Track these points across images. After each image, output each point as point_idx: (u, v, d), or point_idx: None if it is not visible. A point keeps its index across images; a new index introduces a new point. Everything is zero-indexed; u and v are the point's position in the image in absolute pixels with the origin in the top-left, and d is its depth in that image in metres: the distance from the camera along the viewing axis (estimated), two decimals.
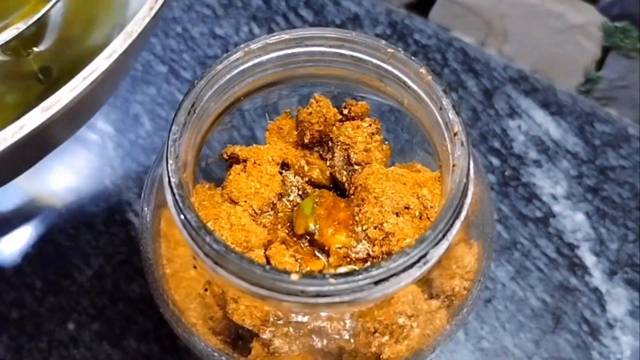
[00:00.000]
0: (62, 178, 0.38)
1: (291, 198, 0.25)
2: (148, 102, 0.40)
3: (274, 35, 0.23)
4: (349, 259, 0.23)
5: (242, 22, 0.43)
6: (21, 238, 0.36)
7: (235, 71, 0.23)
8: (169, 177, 0.20)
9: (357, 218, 0.24)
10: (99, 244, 0.36)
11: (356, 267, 0.23)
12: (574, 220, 0.37)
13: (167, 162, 0.20)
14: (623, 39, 0.40)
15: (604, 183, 0.38)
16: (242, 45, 0.23)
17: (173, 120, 0.21)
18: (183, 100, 0.22)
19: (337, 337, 0.22)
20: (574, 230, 0.37)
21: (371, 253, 0.23)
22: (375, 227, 0.23)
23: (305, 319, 0.22)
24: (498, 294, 0.35)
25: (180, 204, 0.20)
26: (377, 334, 0.22)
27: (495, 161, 0.39)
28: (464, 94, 0.41)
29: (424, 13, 0.46)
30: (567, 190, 0.38)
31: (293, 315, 0.22)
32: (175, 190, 0.20)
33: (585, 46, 0.42)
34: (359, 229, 0.24)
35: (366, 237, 0.23)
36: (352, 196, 0.25)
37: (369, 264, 0.23)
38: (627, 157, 0.39)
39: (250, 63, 0.23)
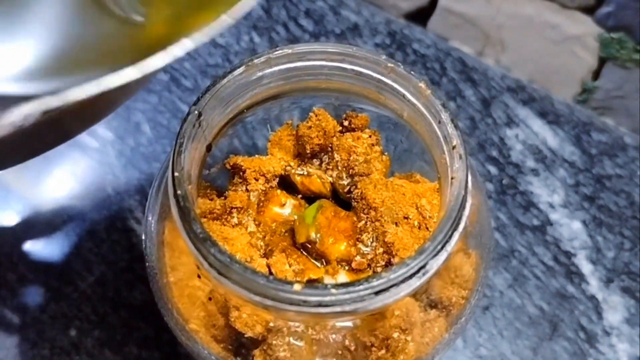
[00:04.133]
0: (64, 185, 0.39)
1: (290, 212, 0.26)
2: (149, 110, 0.41)
3: (276, 50, 0.23)
4: (348, 268, 0.24)
5: (242, 32, 0.44)
6: (23, 245, 0.37)
7: (239, 84, 0.23)
8: (174, 189, 0.21)
9: (357, 227, 0.24)
10: (100, 251, 0.36)
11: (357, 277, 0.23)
12: (570, 229, 0.38)
13: (172, 174, 0.21)
14: (619, 50, 0.41)
15: (601, 192, 0.39)
16: (246, 60, 0.23)
17: (178, 132, 0.22)
18: (188, 112, 0.22)
19: (337, 348, 0.22)
20: (570, 239, 0.37)
21: (371, 263, 0.23)
22: (375, 237, 0.23)
23: (306, 328, 0.22)
24: (496, 301, 0.36)
25: (186, 215, 0.20)
26: (374, 348, 0.22)
27: (493, 170, 0.39)
28: (462, 103, 0.41)
29: (422, 23, 0.47)
30: (564, 198, 0.38)
31: (294, 324, 0.22)
32: (180, 202, 0.20)
33: (582, 57, 0.43)
34: (359, 239, 0.24)
35: (366, 247, 0.23)
36: (352, 206, 0.25)
37: (369, 269, 0.24)
38: (623, 166, 0.40)
39: (254, 76, 0.24)
